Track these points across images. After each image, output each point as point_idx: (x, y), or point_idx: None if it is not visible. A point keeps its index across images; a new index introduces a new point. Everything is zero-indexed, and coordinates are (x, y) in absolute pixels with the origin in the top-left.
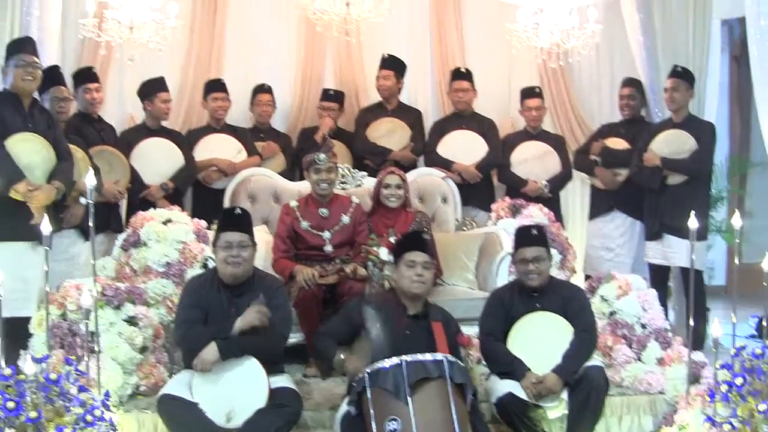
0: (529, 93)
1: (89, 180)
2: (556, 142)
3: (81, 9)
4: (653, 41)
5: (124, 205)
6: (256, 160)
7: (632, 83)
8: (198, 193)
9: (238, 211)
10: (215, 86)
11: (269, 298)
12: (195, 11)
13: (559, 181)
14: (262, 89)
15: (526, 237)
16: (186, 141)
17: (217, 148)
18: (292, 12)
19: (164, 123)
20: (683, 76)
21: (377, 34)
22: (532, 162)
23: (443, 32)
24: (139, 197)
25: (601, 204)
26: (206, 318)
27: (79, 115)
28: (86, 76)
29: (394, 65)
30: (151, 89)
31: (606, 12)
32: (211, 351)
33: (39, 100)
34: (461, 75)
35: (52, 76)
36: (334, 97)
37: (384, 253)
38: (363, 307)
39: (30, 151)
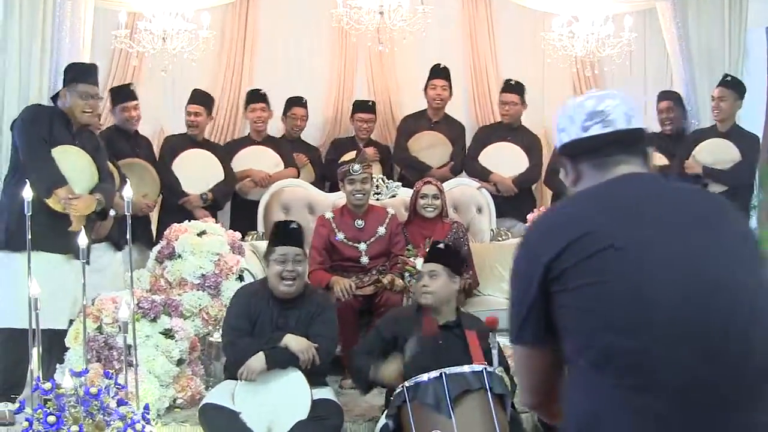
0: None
1: (126, 192)
2: None
3: (113, 20)
4: (689, 51)
5: (154, 219)
6: (293, 172)
7: (669, 96)
8: (236, 204)
9: (294, 225)
10: (254, 97)
11: (318, 313)
12: (226, 21)
13: None
14: (298, 102)
15: None
16: (226, 154)
17: (255, 160)
18: (323, 22)
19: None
20: (732, 86)
21: (410, 44)
22: None
23: (476, 42)
24: (178, 203)
25: None
26: (253, 328)
27: (114, 128)
28: (125, 94)
29: (447, 75)
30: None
31: (639, 20)
32: (258, 360)
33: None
34: (509, 87)
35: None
36: (371, 108)
37: (421, 264)
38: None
39: (75, 163)
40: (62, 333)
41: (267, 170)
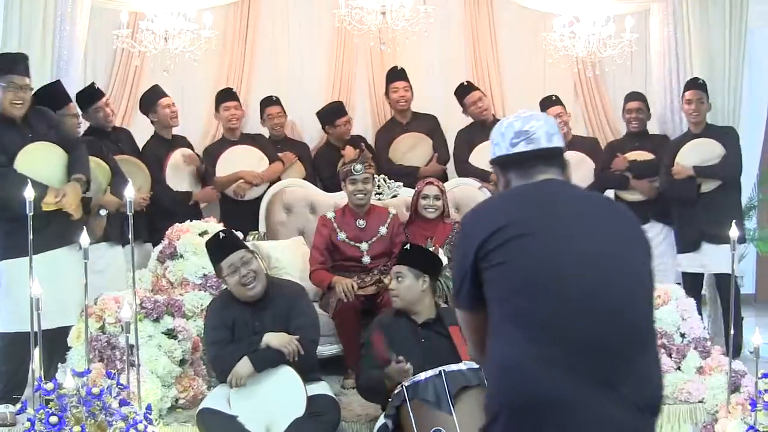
0: (547, 103)
1: (128, 192)
2: (591, 146)
3: (114, 20)
4: (686, 52)
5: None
6: (279, 167)
7: (639, 97)
8: (225, 207)
9: (222, 234)
10: (226, 96)
11: (292, 305)
12: (228, 21)
13: (596, 188)
14: (270, 102)
15: None
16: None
17: (240, 161)
18: (325, 22)
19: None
20: (704, 88)
21: (411, 45)
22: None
23: (478, 42)
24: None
25: (637, 215)
26: (233, 336)
27: (92, 130)
28: (91, 95)
29: (406, 76)
30: (150, 100)
31: (641, 20)
32: (244, 365)
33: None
34: (469, 88)
35: (61, 93)
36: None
37: None
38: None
39: (38, 160)
40: (56, 333)
41: (254, 168)
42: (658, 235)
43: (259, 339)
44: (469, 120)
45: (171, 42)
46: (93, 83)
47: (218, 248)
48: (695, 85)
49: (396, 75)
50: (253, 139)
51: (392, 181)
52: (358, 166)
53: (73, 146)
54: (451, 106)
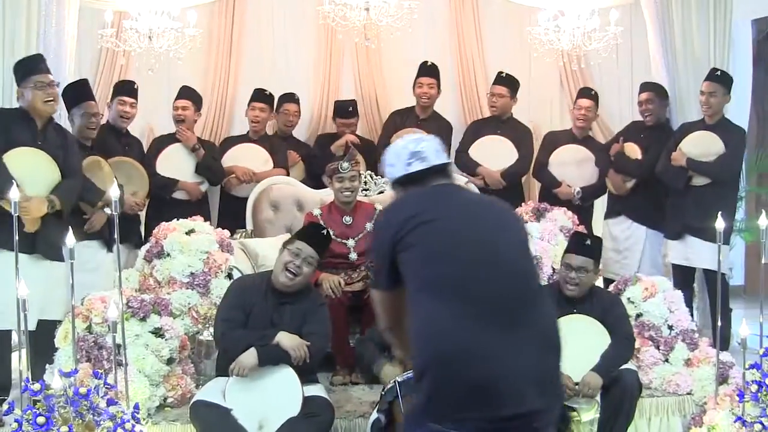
0: (583, 93)
1: (113, 191)
2: (600, 153)
3: (99, 19)
4: (672, 44)
5: (142, 218)
6: (281, 173)
7: (650, 87)
8: (224, 202)
9: (325, 232)
10: (258, 96)
11: (310, 310)
12: (213, 19)
13: (591, 193)
14: (291, 99)
15: (578, 245)
16: (210, 149)
17: (244, 157)
18: (309, 19)
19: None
20: (721, 80)
21: (397, 40)
22: (570, 166)
23: (463, 37)
24: (168, 198)
25: (613, 206)
26: (247, 321)
27: (106, 126)
28: (127, 89)
29: (435, 72)
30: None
31: (626, 13)
32: (250, 356)
33: (55, 119)
34: (500, 80)
35: (83, 91)
36: (353, 113)
37: None
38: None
39: (30, 164)
40: (41, 333)
41: (254, 167)
42: (626, 230)
43: (272, 333)
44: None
45: (156, 41)
46: (134, 82)
47: (309, 233)
48: (711, 76)
49: (424, 70)
50: (270, 142)
51: (378, 177)
52: (345, 164)
53: (72, 174)
54: (439, 102)
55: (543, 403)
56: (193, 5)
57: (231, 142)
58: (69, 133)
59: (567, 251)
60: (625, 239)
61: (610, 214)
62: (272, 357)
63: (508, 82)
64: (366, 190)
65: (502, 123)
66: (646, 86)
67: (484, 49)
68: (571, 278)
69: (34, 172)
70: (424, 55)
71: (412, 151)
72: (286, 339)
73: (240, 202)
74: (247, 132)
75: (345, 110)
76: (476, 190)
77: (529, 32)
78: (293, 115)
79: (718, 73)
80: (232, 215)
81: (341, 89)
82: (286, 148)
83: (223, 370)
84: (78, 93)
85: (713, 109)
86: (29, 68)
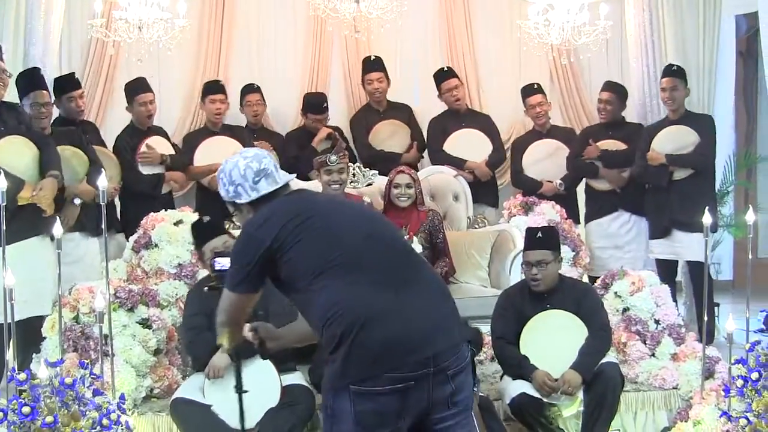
0: (529, 91)
1: (101, 182)
2: (568, 136)
3: (89, 10)
4: (661, 39)
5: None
6: None
7: (611, 87)
8: (201, 197)
9: (206, 218)
10: (214, 88)
11: (269, 293)
12: (203, 11)
13: (571, 180)
14: (251, 89)
15: (531, 240)
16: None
17: (218, 152)
18: (299, 11)
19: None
20: (679, 74)
21: (387, 33)
22: (545, 161)
23: (453, 31)
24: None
25: (603, 205)
26: (211, 323)
27: (60, 120)
28: (70, 83)
29: (381, 65)
30: (131, 92)
31: (616, 8)
32: (221, 357)
33: (7, 102)
34: (447, 74)
35: (33, 79)
36: (326, 109)
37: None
38: None
39: (13, 154)
40: (30, 323)
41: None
42: (626, 224)
43: None
44: (442, 107)
45: (145, 31)
46: (73, 73)
47: (202, 232)
48: (669, 72)
49: (370, 65)
50: (232, 131)
51: (367, 169)
52: (333, 157)
53: (44, 143)
54: (427, 94)
55: (447, 342)
56: None
57: (194, 137)
58: (17, 107)
59: (524, 249)
60: (626, 233)
61: (602, 212)
62: (244, 352)
63: (452, 72)
64: (354, 182)
65: (463, 115)
66: (609, 86)
67: (474, 43)
68: (533, 275)
69: (20, 159)
70: (414, 47)
71: (256, 169)
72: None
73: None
74: (204, 125)
75: (318, 107)
76: (466, 184)
77: (519, 26)
78: (257, 105)
79: (675, 68)
80: (214, 207)
81: (330, 81)
82: (253, 137)
83: (199, 368)
84: (29, 82)
85: (677, 103)
86: None
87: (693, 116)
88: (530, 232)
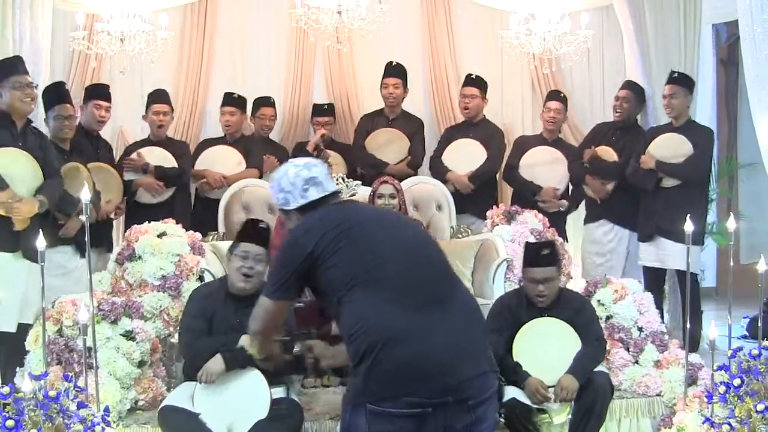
0: (552, 96)
1: (84, 195)
2: (570, 151)
3: (71, 22)
4: (645, 47)
5: (120, 224)
6: (253, 173)
7: (630, 86)
8: (197, 204)
9: (263, 225)
10: (228, 100)
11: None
12: (185, 22)
13: (574, 201)
14: (266, 102)
15: (536, 257)
16: (185, 151)
17: (216, 160)
18: (282, 22)
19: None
20: (681, 82)
21: (369, 43)
22: (541, 167)
23: (435, 40)
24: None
25: (591, 210)
26: (210, 328)
27: (78, 129)
28: (101, 92)
29: (400, 72)
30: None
31: (596, 17)
32: (216, 362)
33: (33, 121)
34: (470, 81)
35: (58, 93)
36: (328, 111)
37: None
38: None
39: (13, 163)
40: (14, 337)
41: (227, 170)
42: (608, 233)
43: (235, 338)
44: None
45: (127, 43)
46: (108, 85)
47: (249, 232)
48: (670, 79)
49: (389, 70)
50: (244, 143)
51: (350, 179)
52: None
53: (52, 174)
54: (409, 104)
55: (472, 371)
56: (164, 8)
57: (207, 144)
58: (45, 136)
59: (527, 265)
60: (608, 242)
61: (590, 218)
62: (238, 361)
63: (478, 83)
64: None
65: (473, 126)
66: (627, 84)
67: (455, 52)
68: (540, 291)
69: (16, 171)
70: (396, 58)
71: (306, 177)
72: (248, 342)
73: (213, 205)
74: (224, 134)
75: (321, 108)
76: (449, 194)
77: (500, 36)
78: (269, 119)
79: (676, 74)
80: (205, 217)
81: (313, 92)
82: (263, 149)
83: (190, 376)
84: (55, 95)
85: (676, 111)
86: (8, 69)
87: (693, 126)
88: (534, 249)
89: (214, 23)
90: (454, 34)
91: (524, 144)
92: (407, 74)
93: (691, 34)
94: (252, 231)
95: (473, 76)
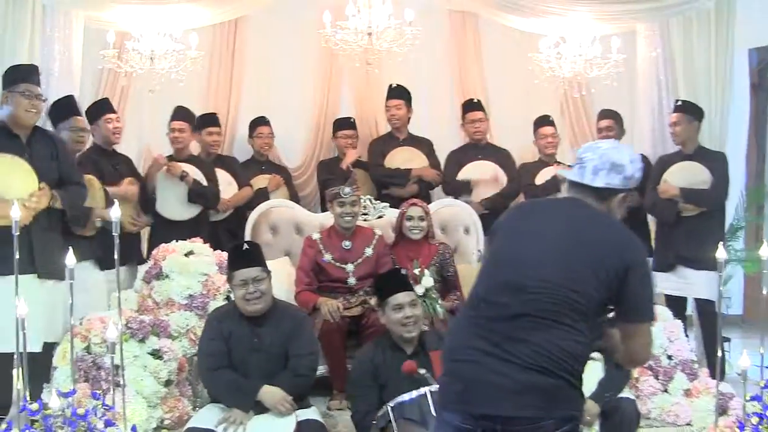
0: (542, 121)
1: (114, 212)
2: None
3: (101, 40)
4: (673, 72)
5: (145, 237)
6: (248, 192)
7: (609, 115)
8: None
9: (246, 246)
10: (210, 120)
11: (294, 330)
12: (215, 42)
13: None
14: (262, 122)
15: None
16: (212, 170)
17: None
18: (310, 43)
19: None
20: (685, 110)
21: (397, 66)
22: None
23: (463, 63)
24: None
25: None
26: (228, 350)
27: (94, 148)
28: (105, 107)
29: (402, 94)
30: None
31: (629, 41)
32: (242, 414)
33: (43, 128)
34: (474, 105)
35: (69, 106)
36: (353, 125)
37: (430, 280)
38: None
39: (7, 172)
40: (40, 356)
41: (222, 192)
42: None
43: (255, 387)
44: (459, 141)
45: (157, 62)
46: (107, 98)
47: (238, 258)
48: (675, 107)
49: (390, 92)
50: (223, 163)
51: (378, 201)
52: (347, 189)
53: (72, 180)
54: (437, 126)
55: (517, 413)
56: (195, 27)
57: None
58: (57, 138)
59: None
60: None
61: None
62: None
63: (481, 105)
64: (365, 214)
65: (481, 149)
66: (606, 113)
67: (484, 75)
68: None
69: (7, 179)
70: (424, 80)
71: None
72: (268, 397)
73: (222, 224)
74: (198, 154)
75: (346, 122)
76: (476, 217)
77: (530, 59)
78: (267, 137)
79: (679, 102)
80: (230, 239)
81: (340, 113)
82: (253, 169)
83: (215, 398)
84: (65, 109)
85: (680, 138)
86: (21, 75)
87: (706, 152)
88: None
89: (243, 43)
90: (482, 57)
91: (531, 170)
92: (410, 95)
93: (722, 60)
94: (241, 256)
95: (475, 100)
